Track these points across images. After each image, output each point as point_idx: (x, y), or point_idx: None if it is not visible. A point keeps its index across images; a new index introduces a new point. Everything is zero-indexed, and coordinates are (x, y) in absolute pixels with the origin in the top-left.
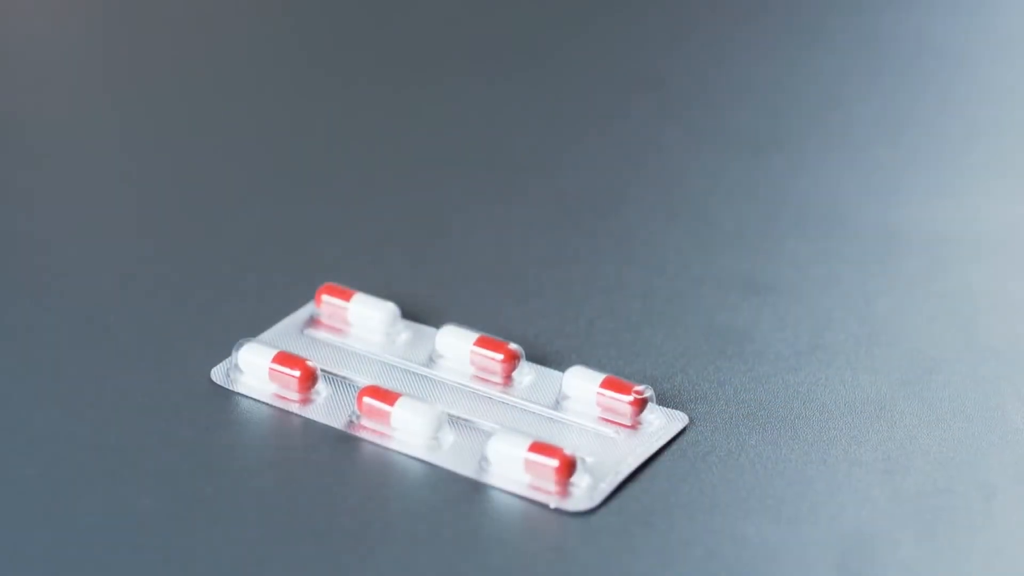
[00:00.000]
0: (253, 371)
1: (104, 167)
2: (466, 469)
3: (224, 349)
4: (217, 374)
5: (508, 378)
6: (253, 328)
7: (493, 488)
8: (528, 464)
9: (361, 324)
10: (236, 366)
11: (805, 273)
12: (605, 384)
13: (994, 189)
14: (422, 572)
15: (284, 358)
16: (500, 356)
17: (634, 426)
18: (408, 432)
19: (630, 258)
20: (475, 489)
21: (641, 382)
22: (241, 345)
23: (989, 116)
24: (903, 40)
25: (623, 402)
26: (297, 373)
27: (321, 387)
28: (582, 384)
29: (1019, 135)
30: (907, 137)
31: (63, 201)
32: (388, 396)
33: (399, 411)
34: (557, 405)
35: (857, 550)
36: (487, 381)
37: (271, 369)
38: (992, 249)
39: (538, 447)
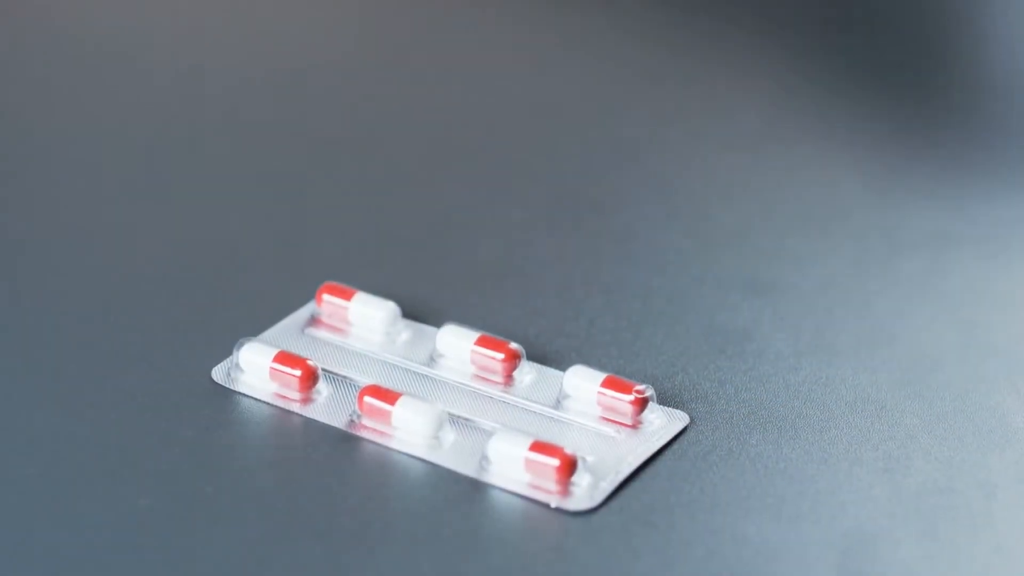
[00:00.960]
0: (254, 370)
1: (104, 167)
2: (467, 468)
3: (225, 348)
4: (218, 373)
5: (509, 377)
6: (254, 327)
7: (494, 487)
8: (529, 463)
9: (362, 323)
10: (237, 365)
11: (805, 273)
12: (606, 383)
13: (994, 189)
14: (422, 572)
15: (285, 357)
16: (501, 355)
17: (635, 425)
18: (409, 431)
19: (630, 258)
20: (476, 488)
21: (642, 381)
22: (242, 344)
23: (989, 116)
24: (903, 40)
25: (624, 401)
26: (298, 372)
27: (322, 386)
28: (583, 383)
29: (1019, 135)
30: (907, 137)
31: (63, 201)
32: (389, 395)
33: (400, 410)
34: (558, 404)
35: (858, 549)
36: (488, 380)
37: (272, 368)
38: (992, 249)
39: (539, 446)
